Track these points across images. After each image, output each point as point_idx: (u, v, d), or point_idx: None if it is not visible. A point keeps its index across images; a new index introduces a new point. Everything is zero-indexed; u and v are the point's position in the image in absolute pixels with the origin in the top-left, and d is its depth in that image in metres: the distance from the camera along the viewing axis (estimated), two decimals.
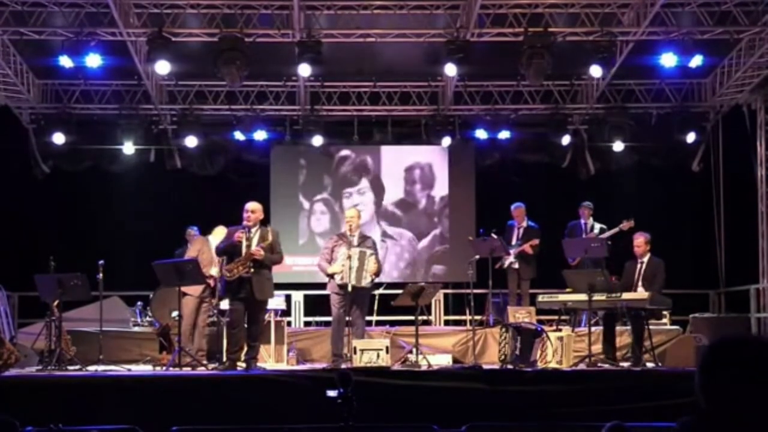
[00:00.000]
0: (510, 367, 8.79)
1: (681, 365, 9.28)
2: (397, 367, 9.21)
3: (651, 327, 9.72)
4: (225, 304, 9.45)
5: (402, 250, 14.05)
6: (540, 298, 10.19)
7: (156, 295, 10.82)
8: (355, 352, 8.72)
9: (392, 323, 11.87)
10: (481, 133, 13.57)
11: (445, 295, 13.16)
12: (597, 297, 9.20)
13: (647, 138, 13.57)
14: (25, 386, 7.83)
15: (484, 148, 13.91)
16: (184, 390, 7.74)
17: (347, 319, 9.25)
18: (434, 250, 14.10)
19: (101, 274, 9.70)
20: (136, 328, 11.39)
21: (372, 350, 8.71)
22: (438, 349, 10.62)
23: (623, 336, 10.15)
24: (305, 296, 12.66)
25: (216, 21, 11.15)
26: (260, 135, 13.47)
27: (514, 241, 11.70)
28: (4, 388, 7.65)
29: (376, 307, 11.69)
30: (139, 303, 11.69)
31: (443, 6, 11.29)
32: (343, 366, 8.84)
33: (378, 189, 14.17)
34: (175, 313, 9.67)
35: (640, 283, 9.56)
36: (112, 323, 10.92)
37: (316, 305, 12.14)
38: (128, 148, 13.26)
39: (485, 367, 9.18)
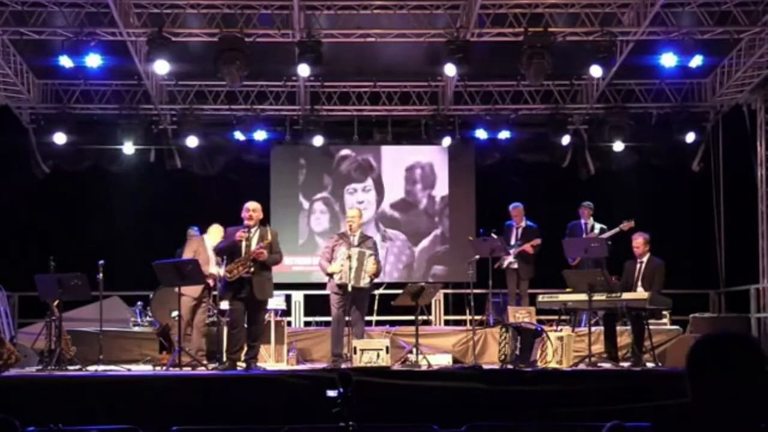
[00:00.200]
0: (510, 367, 8.79)
1: (681, 365, 9.21)
2: (397, 367, 9.21)
3: (651, 327, 9.72)
4: (225, 304, 9.45)
5: (399, 251, 14.03)
6: (540, 298, 10.19)
7: (156, 295, 10.82)
8: (355, 352, 8.71)
9: (392, 323, 11.87)
10: (481, 133, 13.57)
11: (445, 295, 13.16)
12: (597, 297, 9.20)
13: (647, 138, 13.57)
14: (25, 386, 7.83)
15: (484, 148, 13.91)
16: (184, 390, 7.74)
17: (347, 319, 9.25)
18: (435, 251, 14.10)
19: (101, 274, 9.70)
20: (136, 328, 11.39)
21: (372, 350, 8.70)
22: (438, 349, 10.62)
23: (623, 336, 10.15)
24: (305, 296, 12.66)
25: (216, 21, 11.15)
26: (260, 135, 13.48)
27: (512, 241, 11.70)
28: (4, 388, 7.65)
29: (376, 307, 11.69)
30: (139, 303, 11.69)
31: (443, 6, 11.29)
32: (343, 366, 8.84)
33: (380, 188, 14.18)
34: (174, 313, 9.67)
35: (639, 283, 9.57)
36: (112, 323, 10.92)
37: (316, 305, 12.14)
38: (128, 148, 13.26)
39: (485, 367, 9.18)
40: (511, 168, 13.86)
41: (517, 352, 8.86)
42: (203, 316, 9.86)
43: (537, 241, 11.55)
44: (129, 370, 9.33)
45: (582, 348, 9.41)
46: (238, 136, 13.54)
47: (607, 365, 9.26)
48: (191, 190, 13.74)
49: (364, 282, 9.24)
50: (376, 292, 11.09)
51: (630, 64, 12.02)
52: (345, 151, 14.19)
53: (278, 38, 11.18)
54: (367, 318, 10.41)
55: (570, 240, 11.25)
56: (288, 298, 12.07)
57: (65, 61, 11.06)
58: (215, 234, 10.01)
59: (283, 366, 10.07)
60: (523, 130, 13.74)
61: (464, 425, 6.70)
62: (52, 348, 9.22)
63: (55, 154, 13.35)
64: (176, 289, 9.62)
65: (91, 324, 10.55)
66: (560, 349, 9.07)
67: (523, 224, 11.86)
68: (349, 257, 9.13)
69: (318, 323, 12.29)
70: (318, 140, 13.47)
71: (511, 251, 11.58)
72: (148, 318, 11.39)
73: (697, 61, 11.57)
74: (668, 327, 11.12)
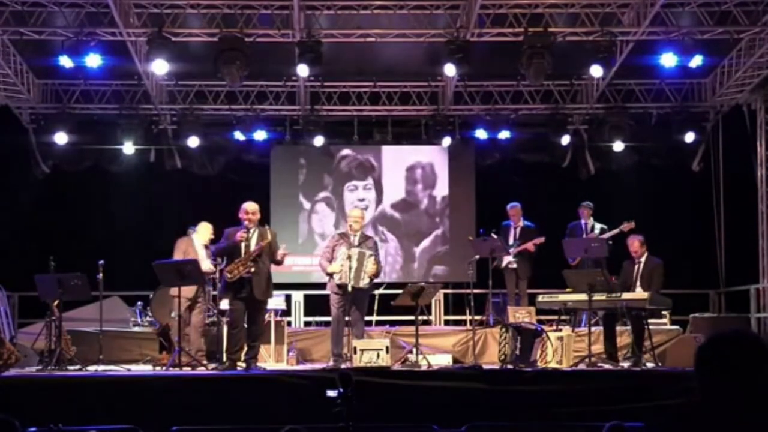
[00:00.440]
0: (510, 367, 8.79)
1: (681, 365, 9.27)
2: (397, 367, 9.21)
3: (651, 327, 9.73)
4: (225, 304, 9.46)
5: (395, 252, 14.01)
6: (540, 298, 10.19)
7: (156, 295, 10.82)
8: (355, 352, 8.71)
9: (392, 323, 11.86)
10: (481, 133, 13.57)
11: (445, 295, 13.16)
12: (597, 297, 9.20)
13: (647, 138, 13.58)
14: (25, 386, 7.83)
15: (484, 148, 13.91)
16: (184, 390, 7.74)
17: (347, 319, 9.25)
18: (436, 251, 14.09)
19: (101, 274, 9.70)
20: (136, 328, 11.39)
21: (372, 350, 8.70)
22: (438, 349, 10.62)
23: (623, 336, 10.15)
24: (305, 296, 12.66)
25: (216, 21, 11.15)
26: (260, 135, 13.48)
27: (511, 241, 11.71)
28: (4, 388, 7.65)
29: (376, 307, 11.69)
30: (139, 303, 11.68)
31: (443, 6, 11.29)
32: (343, 366, 8.84)
33: (380, 188, 14.17)
34: (174, 313, 9.68)
35: (638, 283, 9.57)
36: (112, 323, 10.92)
37: (316, 305, 12.13)
38: (128, 148, 13.26)
39: (485, 367, 9.18)
40: (511, 168, 13.86)
41: (517, 352, 8.86)
42: (201, 317, 9.86)
43: (541, 239, 11.55)
44: (129, 370, 9.33)
45: (582, 348, 9.40)
46: (238, 136, 13.55)
47: (607, 365, 9.26)
48: (191, 190, 13.74)
49: (364, 282, 9.24)
50: (376, 292, 11.08)
51: (630, 64, 12.02)
52: (346, 151, 14.19)
53: (278, 38, 11.18)
54: (367, 318, 10.41)
55: (570, 240, 11.25)
56: (288, 298, 12.07)
57: (65, 61, 11.06)
58: (204, 232, 10.03)
59: (283, 366, 10.07)
60: (523, 130, 13.74)
61: (464, 425, 6.70)
62: (52, 348, 9.22)
63: (55, 154, 13.36)
64: (170, 291, 9.67)
65: (91, 324, 10.54)
66: (560, 349, 9.07)
67: (521, 224, 11.86)
68: (349, 257, 9.13)
69: (318, 323, 12.29)
70: (318, 140, 13.47)
71: (511, 251, 11.58)
72: (148, 318, 11.39)
73: (697, 61, 11.58)
74: (668, 327, 11.12)
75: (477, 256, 10.97)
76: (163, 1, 11.02)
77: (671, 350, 10.15)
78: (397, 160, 14.23)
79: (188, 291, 9.51)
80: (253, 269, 8.90)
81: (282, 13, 11.21)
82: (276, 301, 10.44)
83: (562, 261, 10.94)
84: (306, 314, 12.67)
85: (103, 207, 13.62)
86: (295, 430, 5.22)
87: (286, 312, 11.80)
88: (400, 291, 10.15)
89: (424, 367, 9.12)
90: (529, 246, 11.60)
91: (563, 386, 7.97)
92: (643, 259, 9.65)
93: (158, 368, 9.39)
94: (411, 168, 14.22)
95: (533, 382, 8.02)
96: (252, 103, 13.46)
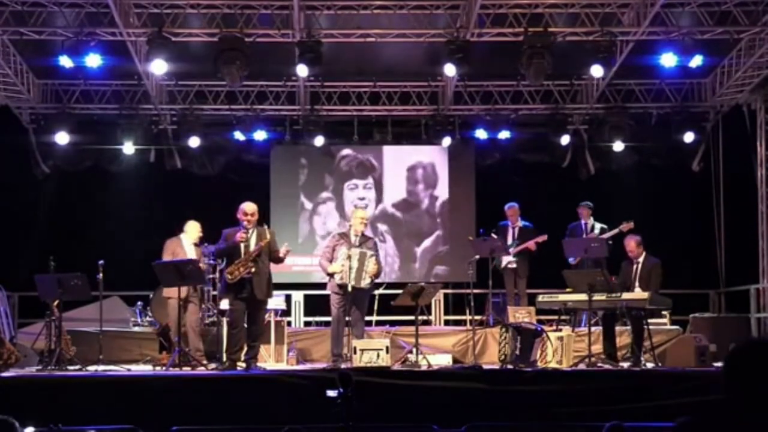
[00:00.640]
0: (510, 367, 8.79)
1: (681, 365, 9.28)
2: (397, 367, 9.21)
3: (651, 327, 9.72)
4: (225, 304, 9.46)
5: (393, 253, 14.00)
6: (540, 298, 10.19)
7: (156, 295, 10.82)
8: (355, 352, 8.71)
9: (392, 323, 11.86)
10: (481, 133, 13.57)
11: (445, 295, 13.16)
12: (597, 297, 9.20)
13: (647, 138, 13.58)
14: (25, 386, 7.83)
15: (484, 148, 13.91)
16: (184, 390, 7.74)
17: (347, 319, 9.25)
18: (437, 251, 14.09)
19: (101, 274, 9.69)
20: (136, 328, 11.39)
21: (372, 350, 8.70)
22: (438, 349, 10.62)
23: (623, 336, 10.16)
24: (305, 296, 12.66)
25: (216, 21, 11.15)
26: (260, 135, 13.48)
27: (509, 241, 11.71)
28: (4, 388, 7.65)
29: (376, 307, 11.69)
30: (139, 303, 11.68)
31: (443, 6, 11.29)
32: (343, 366, 8.84)
33: (381, 188, 14.16)
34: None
35: (637, 283, 9.57)
36: (112, 323, 10.92)
37: (316, 305, 12.14)
38: (128, 148, 13.26)
39: (485, 367, 9.18)
40: (511, 168, 13.86)
41: (517, 352, 8.86)
42: (197, 316, 9.85)
43: (543, 237, 11.57)
44: (129, 370, 9.34)
45: (582, 348, 9.40)
46: (238, 136, 13.55)
47: (606, 365, 9.25)
48: (191, 190, 13.73)
49: (365, 282, 9.24)
50: (376, 292, 11.08)
51: (630, 64, 12.03)
52: (346, 151, 14.18)
53: (278, 38, 11.18)
54: (367, 318, 10.41)
55: (570, 240, 11.25)
56: (288, 298, 12.07)
57: (65, 61, 11.06)
58: (192, 230, 10.03)
59: (283, 366, 10.07)
60: (523, 130, 13.74)
61: (464, 425, 6.70)
62: (52, 348, 9.22)
63: (55, 154, 13.36)
64: (163, 293, 9.67)
65: (91, 324, 10.54)
66: (560, 349, 9.06)
67: (519, 224, 11.88)
68: (349, 257, 9.13)
69: (318, 323, 12.29)
70: (318, 140, 13.47)
71: (511, 250, 11.58)
72: (148, 318, 11.40)
73: (697, 61, 11.59)
74: (668, 327, 11.13)
75: (477, 256, 10.98)
76: (163, 1, 11.02)
77: (671, 350, 10.15)
78: (397, 160, 14.23)
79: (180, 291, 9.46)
80: (253, 269, 8.91)
81: (282, 13, 11.21)
82: (276, 301, 10.45)
83: (562, 261, 10.94)
84: (306, 314, 12.67)
85: (103, 207, 13.61)
86: (295, 430, 5.22)
87: (286, 312, 11.80)
88: (400, 291, 10.15)
89: (424, 367, 9.12)
90: (531, 244, 11.61)
91: (563, 386, 7.97)
92: (641, 259, 9.65)
93: (158, 368, 9.39)
94: (412, 168, 14.22)
95: (533, 382, 8.02)
96: (252, 103, 13.46)
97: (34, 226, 13.29)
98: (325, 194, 14.12)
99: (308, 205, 14.13)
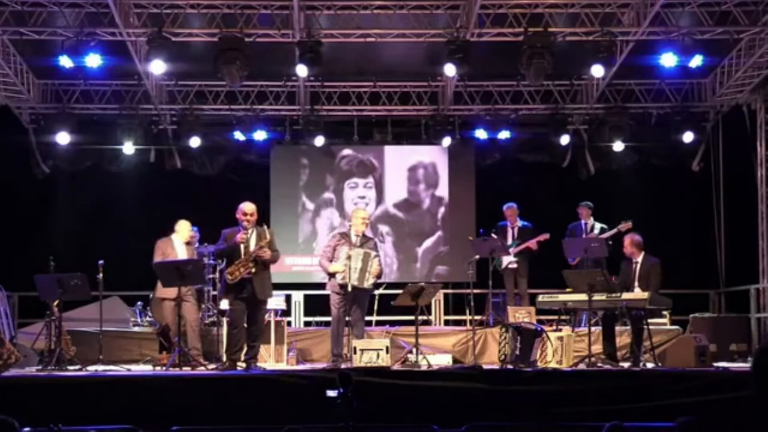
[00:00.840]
0: (510, 367, 8.79)
1: (681, 365, 9.27)
2: (397, 367, 9.21)
3: (651, 327, 9.72)
4: (225, 304, 9.46)
5: (392, 254, 14.00)
6: (540, 298, 10.18)
7: (156, 295, 10.81)
8: (355, 352, 8.72)
9: (392, 323, 11.86)
10: (481, 133, 13.58)
11: (445, 295, 13.15)
12: (597, 297, 9.20)
13: (647, 138, 13.58)
14: (25, 386, 7.82)
15: (484, 148, 13.92)
16: (184, 390, 7.74)
17: (347, 319, 9.25)
18: (438, 251, 14.08)
19: (101, 274, 9.70)
20: (136, 328, 11.39)
21: (372, 350, 8.71)
22: (438, 349, 10.62)
23: (623, 336, 10.16)
24: (305, 296, 12.65)
25: (216, 21, 11.15)
26: (260, 135, 13.49)
27: (509, 242, 11.72)
28: (4, 388, 7.64)
29: (376, 307, 11.69)
30: (139, 303, 11.68)
31: (443, 6, 11.30)
32: (343, 366, 8.84)
33: (381, 188, 14.16)
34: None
35: (636, 283, 9.57)
36: (112, 323, 10.92)
37: (316, 305, 12.13)
38: (128, 148, 13.26)
39: (485, 367, 9.18)
40: (511, 168, 13.87)
41: (517, 352, 8.86)
42: (196, 315, 9.84)
43: (545, 236, 11.58)
44: (129, 370, 9.33)
45: (582, 348, 9.40)
46: (238, 136, 13.55)
47: (606, 365, 9.25)
48: (191, 190, 13.74)
49: (368, 283, 9.24)
50: (376, 292, 11.07)
51: (630, 64, 12.04)
52: (347, 151, 14.18)
53: (278, 38, 11.19)
54: (367, 318, 10.40)
55: (570, 240, 11.25)
56: (288, 298, 12.06)
57: (65, 61, 11.07)
58: (184, 230, 10.03)
59: (283, 366, 10.07)
60: (523, 130, 13.74)
61: (464, 425, 6.70)
62: (52, 348, 9.23)
63: (55, 154, 13.37)
64: (157, 293, 9.67)
65: (91, 324, 10.55)
66: (560, 349, 9.07)
67: (518, 224, 11.89)
68: (350, 257, 9.13)
69: (318, 323, 12.29)
70: (319, 140, 13.47)
71: (511, 250, 11.59)
72: (147, 318, 11.40)
73: (697, 61, 11.60)
74: (668, 327, 11.13)
75: (477, 256, 10.97)
76: (163, 1, 11.02)
77: (671, 350, 10.14)
78: (398, 160, 14.23)
79: (171, 291, 9.46)
80: (253, 270, 8.91)
81: (282, 13, 11.21)
82: (276, 301, 10.44)
83: (562, 261, 10.94)
84: (306, 314, 12.66)
85: (103, 207, 13.62)
86: (295, 430, 5.23)
87: (286, 312, 11.79)
88: (400, 291, 10.15)
89: (424, 367, 9.13)
90: (532, 243, 11.63)
91: (563, 386, 7.96)
92: (640, 259, 9.65)
93: (158, 368, 9.40)
94: (413, 168, 14.22)
95: (533, 382, 8.01)
96: (252, 103, 13.46)
97: (34, 226, 13.28)
98: (327, 195, 14.11)
99: (310, 206, 14.12)
